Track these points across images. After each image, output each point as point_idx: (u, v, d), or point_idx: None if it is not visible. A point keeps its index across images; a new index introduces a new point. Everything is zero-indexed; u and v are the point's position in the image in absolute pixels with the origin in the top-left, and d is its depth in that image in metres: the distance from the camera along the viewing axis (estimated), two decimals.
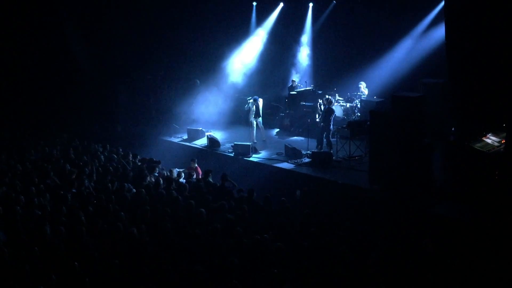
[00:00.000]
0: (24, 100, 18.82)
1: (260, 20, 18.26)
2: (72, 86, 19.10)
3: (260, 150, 14.50)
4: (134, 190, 10.75)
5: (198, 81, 17.63)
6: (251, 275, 7.17)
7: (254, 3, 18.37)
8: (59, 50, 19.07)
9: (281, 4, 18.04)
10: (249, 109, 15.16)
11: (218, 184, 11.22)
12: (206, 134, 15.78)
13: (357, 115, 15.47)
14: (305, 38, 18.23)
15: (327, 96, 14.46)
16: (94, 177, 11.67)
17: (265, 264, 7.41)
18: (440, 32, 13.23)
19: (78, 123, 17.79)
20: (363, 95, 15.72)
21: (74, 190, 10.55)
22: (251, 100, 15.16)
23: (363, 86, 15.84)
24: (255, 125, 15.26)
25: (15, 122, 17.44)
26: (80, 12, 19.13)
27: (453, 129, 11.63)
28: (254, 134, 15.26)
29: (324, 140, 14.03)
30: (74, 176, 11.25)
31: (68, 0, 19.07)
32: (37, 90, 19.03)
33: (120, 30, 19.14)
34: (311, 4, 17.92)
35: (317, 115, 15.24)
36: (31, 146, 14.14)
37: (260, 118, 15.34)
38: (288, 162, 13.42)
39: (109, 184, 10.87)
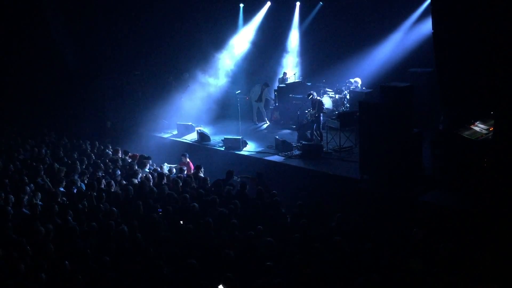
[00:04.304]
0: (11, 99, 18.62)
1: (248, 20, 18.20)
2: (59, 83, 18.93)
3: (251, 142, 14.56)
4: (125, 187, 10.70)
5: (188, 74, 17.54)
6: (245, 268, 7.19)
7: (241, 5, 18.29)
8: (45, 48, 18.87)
9: (268, 3, 17.98)
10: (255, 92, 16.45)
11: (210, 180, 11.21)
12: (196, 129, 15.74)
13: (346, 106, 15.48)
14: (294, 30, 18.19)
15: (311, 91, 14.48)
16: (85, 175, 11.59)
17: (258, 258, 7.43)
18: (428, 24, 13.28)
19: (66, 120, 17.66)
20: (356, 88, 15.58)
21: (61, 189, 10.47)
22: (262, 86, 16.38)
23: (359, 82, 15.62)
24: (261, 108, 16.57)
25: (2, 121, 17.24)
26: (66, 9, 18.93)
27: (441, 117, 11.68)
28: (263, 116, 16.73)
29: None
30: (63, 175, 11.17)
31: None
32: (24, 88, 18.84)
33: (107, 27, 18.97)
34: (298, 3, 17.86)
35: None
36: (19, 145, 14.01)
37: (262, 103, 16.55)
38: (278, 155, 13.45)
39: (100, 181, 10.80)
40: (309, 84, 16.76)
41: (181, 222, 9.00)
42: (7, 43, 18.58)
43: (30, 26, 18.57)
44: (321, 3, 17.24)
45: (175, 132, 16.35)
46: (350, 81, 15.63)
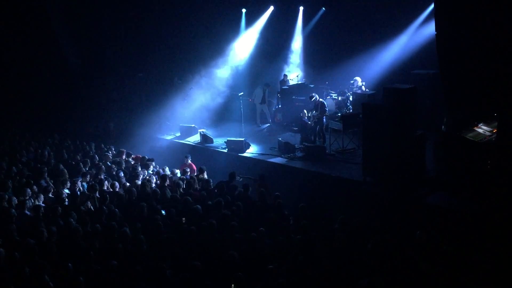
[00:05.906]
0: (14, 100, 18.68)
1: (250, 24, 18.23)
2: (62, 85, 18.99)
3: (254, 144, 14.55)
4: (128, 189, 10.71)
5: (190, 76, 17.56)
6: (247, 270, 7.18)
7: (244, 10, 18.30)
8: (49, 49, 18.94)
9: (272, 7, 17.99)
10: (258, 94, 16.46)
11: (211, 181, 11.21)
12: (199, 130, 15.76)
13: (349, 108, 15.47)
14: (298, 34, 18.20)
15: (313, 94, 14.48)
16: (88, 177, 11.60)
17: (260, 259, 7.42)
18: (431, 26, 13.27)
19: (70, 122, 17.71)
20: (358, 89, 15.58)
21: (66, 190, 10.49)
22: (263, 86, 16.37)
23: (359, 80, 15.69)
24: (265, 110, 16.57)
25: (5, 123, 17.29)
26: (70, 11, 19.01)
27: (444, 119, 11.66)
28: (267, 117, 16.66)
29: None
30: (66, 176, 11.19)
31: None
32: (27, 90, 18.90)
33: (111, 29, 19.05)
34: (301, 8, 17.86)
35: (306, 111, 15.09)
36: (22, 147, 14.04)
37: (265, 104, 16.58)
38: (281, 157, 13.45)
39: (102, 183, 10.81)
40: (312, 86, 16.78)
41: (184, 224, 9.00)
42: (10, 45, 18.66)
43: (33, 28, 18.65)
44: (323, 8, 17.26)
45: (178, 134, 16.37)
46: (351, 82, 15.65)
